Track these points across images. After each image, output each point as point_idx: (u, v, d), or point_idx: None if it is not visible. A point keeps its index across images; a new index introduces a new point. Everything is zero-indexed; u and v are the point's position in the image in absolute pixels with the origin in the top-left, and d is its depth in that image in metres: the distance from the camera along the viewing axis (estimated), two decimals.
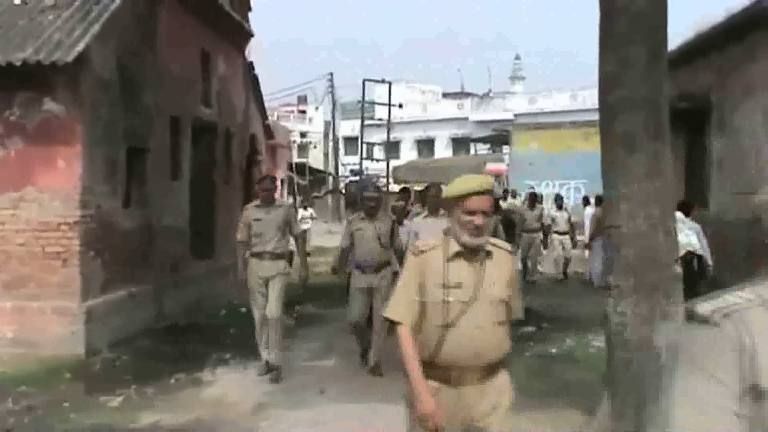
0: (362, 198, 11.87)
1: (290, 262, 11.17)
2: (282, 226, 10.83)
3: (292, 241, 11.80)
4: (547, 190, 30.74)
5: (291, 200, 36.54)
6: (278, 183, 11.95)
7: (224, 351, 11.99)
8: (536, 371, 10.54)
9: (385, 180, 43.41)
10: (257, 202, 11.11)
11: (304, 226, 28.85)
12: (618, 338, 8.07)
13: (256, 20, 23.24)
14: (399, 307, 4.73)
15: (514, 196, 29.22)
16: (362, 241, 11.06)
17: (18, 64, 11.73)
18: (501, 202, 20.68)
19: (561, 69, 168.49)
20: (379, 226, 11.11)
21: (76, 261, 12.15)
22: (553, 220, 22.38)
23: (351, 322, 11.33)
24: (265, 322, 10.77)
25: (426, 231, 10.22)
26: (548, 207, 24.43)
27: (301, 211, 31.00)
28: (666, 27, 8.10)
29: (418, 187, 19.17)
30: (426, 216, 11.16)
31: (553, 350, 12.07)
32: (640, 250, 7.88)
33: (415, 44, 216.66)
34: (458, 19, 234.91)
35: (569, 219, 22.39)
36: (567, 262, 22.38)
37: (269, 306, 10.68)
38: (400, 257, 11.04)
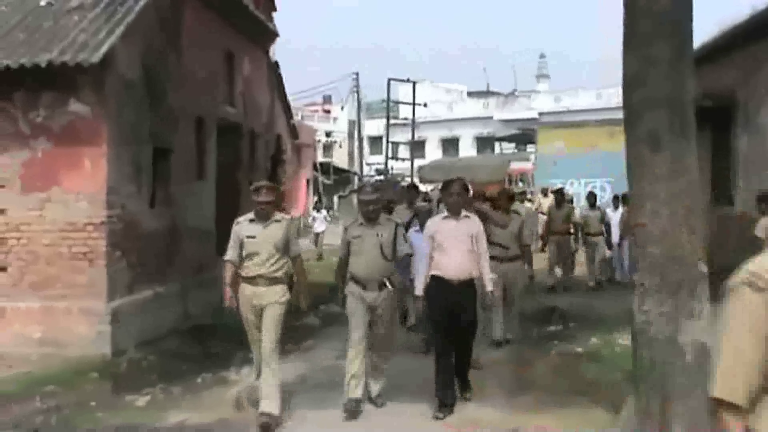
0: (359, 201, 9.79)
1: (290, 287, 9.16)
2: (280, 245, 8.98)
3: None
4: (572, 189, 30.63)
5: (315, 199, 36.31)
6: (277, 193, 10.02)
7: (249, 351, 12.00)
8: (561, 370, 10.51)
9: (410, 179, 43.42)
10: (251, 215, 9.24)
11: (318, 229, 28.71)
12: (643, 337, 8.06)
13: (284, 23, 23.27)
14: (734, 380, 3.04)
15: (546, 195, 28.81)
16: (361, 251, 9.25)
17: (43, 65, 11.84)
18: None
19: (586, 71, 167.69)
20: (381, 232, 9.27)
21: (102, 261, 12.25)
22: (585, 219, 19.86)
23: (352, 341, 9.28)
24: (260, 353, 9.12)
25: (446, 235, 9.14)
26: (579, 206, 23.43)
27: (314, 213, 30.83)
28: (690, 25, 8.09)
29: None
30: (446, 217, 9.36)
31: (579, 349, 12.01)
32: (665, 249, 7.88)
33: (440, 55, 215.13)
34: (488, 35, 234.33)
35: (603, 218, 19.79)
36: (601, 266, 20.14)
37: (264, 339, 8.94)
38: (405, 266, 9.88)
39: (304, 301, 9.47)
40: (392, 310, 9.61)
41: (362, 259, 9.24)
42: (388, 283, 9.32)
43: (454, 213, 9.29)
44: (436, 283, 9.15)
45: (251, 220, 9.12)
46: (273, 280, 8.92)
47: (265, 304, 8.87)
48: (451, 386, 9.08)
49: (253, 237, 8.94)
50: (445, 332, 9.15)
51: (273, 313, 8.89)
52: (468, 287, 9.12)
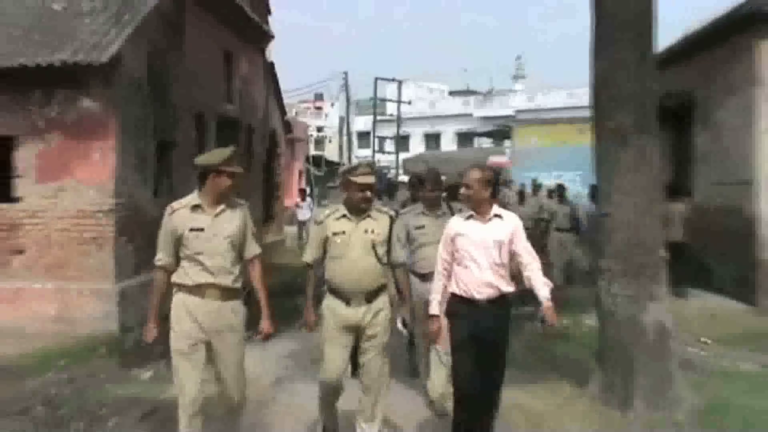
0: (350, 184, 6.43)
1: (246, 302, 6.19)
2: (237, 240, 6.01)
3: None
4: (545, 181, 30.70)
5: (303, 188, 35.87)
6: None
7: (247, 330, 12.04)
8: (534, 348, 10.56)
9: (395, 171, 43.43)
10: (195, 198, 6.06)
11: (303, 217, 28.37)
12: (608, 317, 8.17)
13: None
14: None
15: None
16: (345, 253, 6.33)
17: (57, 64, 11.90)
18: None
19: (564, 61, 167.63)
20: (373, 227, 6.40)
21: (110, 246, 12.35)
22: (552, 214, 16.98)
23: (326, 383, 6.58)
24: (200, 411, 5.99)
25: (470, 241, 6.13)
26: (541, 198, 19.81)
27: (297, 200, 30.54)
28: (653, 31, 8.20)
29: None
30: (470, 217, 6.22)
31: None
32: (628, 236, 7.98)
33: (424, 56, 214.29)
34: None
35: (572, 213, 16.84)
36: (569, 265, 16.78)
37: (227, 384, 6.10)
38: (402, 275, 6.80)
39: (266, 322, 6.20)
40: (386, 331, 6.53)
41: (347, 264, 6.34)
42: (400, 326, 6.79)
43: (481, 212, 6.19)
44: (457, 304, 6.22)
45: (195, 206, 6.01)
46: (230, 293, 5.99)
47: (219, 327, 5.98)
48: None
49: (199, 230, 5.92)
50: (471, 367, 6.10)
51: (234, 343, 6.09)
52: (499, 308, 6.15)
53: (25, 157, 12.56)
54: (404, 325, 6.72)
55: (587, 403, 8.05)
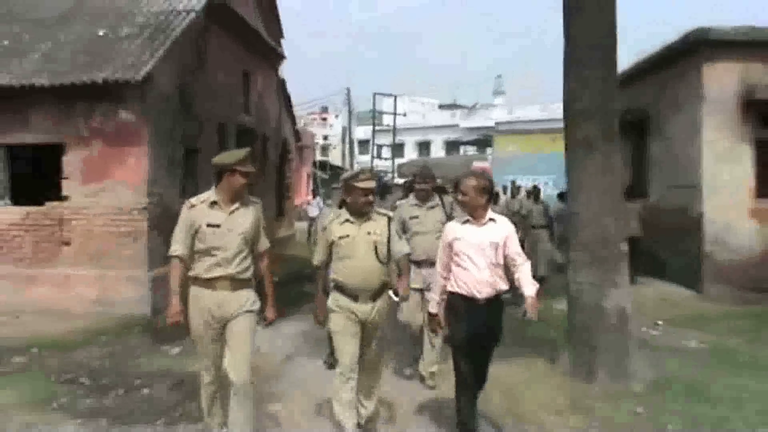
0: (353, 189, 5.99)
1: (258, 290, 5.87)
2: (250, 236, 5.74)
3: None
4: (523, 184, 30.70)
5: (312, 189, 35.85)
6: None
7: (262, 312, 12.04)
8: (513, 329, 10.51)
9: (391, 175, 43.42)
10: (213, 195, 5.76)
11: (312, 214, 28.41)
12: (576, 302, 8.22)
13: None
14: None
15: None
16: (351, 255, 5.94)
17: (100, 81, 11.98)
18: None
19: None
20: (374, 229, 5.99)
21: (143, 239, 12.41)
22: (528, 212, 16.04)
23: (344, 374, 5.96)
24: (223, 389, 5.85)
25: (466, 244, 5.87)
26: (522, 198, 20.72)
27: (309, 199, 30.64)
28: (616, 54, 8.25)
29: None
30: (466, 221, 5.97)
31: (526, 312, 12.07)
32: (594, 232, 8.03)
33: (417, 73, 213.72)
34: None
35: (546, 212, 16.28)
36: (545, 258, 15.84)
37: (233, 364, 5.58)
38: (404, 262, 6.33)
39: (270, 310, 5.95)
40: (385, 323, 6.21)
41: (353, 265, 5.94)
42: (392, 294, 6.43)
43: (476, 217, 5.96)
44: (457, 302, 5.98)
45: (213, 203, 5.72)
46: (240, 283, 5.70)
47: (231, 314, 5.65)
48: (473, 425, 6.06)
49: (216, 226, 5.63)
50: (471, 359, 6.01)
51: (245, 326, 5.68)
52: (495, 305, 6.03)
53: (72, 161, 12.64)
54: (396, 294, 6.50)
55: (557, 377, 8.11)
